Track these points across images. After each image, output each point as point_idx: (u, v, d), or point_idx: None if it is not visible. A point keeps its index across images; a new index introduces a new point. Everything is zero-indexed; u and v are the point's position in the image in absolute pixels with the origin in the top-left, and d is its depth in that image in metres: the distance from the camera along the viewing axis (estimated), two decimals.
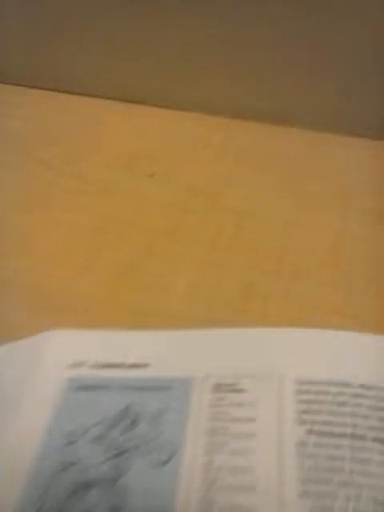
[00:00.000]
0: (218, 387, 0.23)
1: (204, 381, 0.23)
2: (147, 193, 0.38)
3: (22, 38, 0.45)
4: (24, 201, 0.37)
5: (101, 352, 0.26)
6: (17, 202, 0.37)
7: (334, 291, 0.31)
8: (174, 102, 0.43)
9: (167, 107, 0.44)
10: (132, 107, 0.45)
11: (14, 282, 0.31)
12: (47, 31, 0.44)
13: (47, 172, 0.39)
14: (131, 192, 0.38)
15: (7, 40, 0.45)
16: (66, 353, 0.26)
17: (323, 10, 0.37)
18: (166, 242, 0.34)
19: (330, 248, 0.34)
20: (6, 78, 0.46)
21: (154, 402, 0.23)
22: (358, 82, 0.39)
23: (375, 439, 0.21)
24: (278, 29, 0.39)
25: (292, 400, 0.21)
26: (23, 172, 0.39)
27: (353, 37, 0.38)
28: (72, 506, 0.20)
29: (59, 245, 0.34)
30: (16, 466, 0.22)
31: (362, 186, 0.38)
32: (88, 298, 0.31)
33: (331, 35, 0.38)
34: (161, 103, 0.44)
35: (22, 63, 0.45)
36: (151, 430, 0.22)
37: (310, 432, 0.20)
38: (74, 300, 0.30)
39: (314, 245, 0.34)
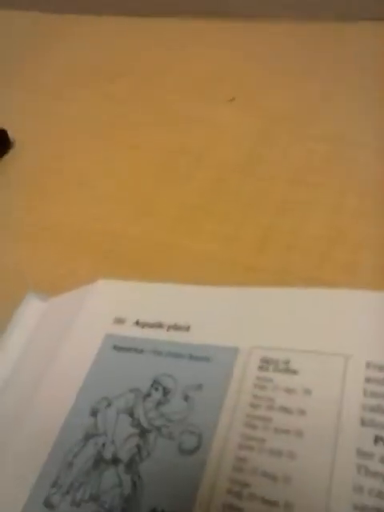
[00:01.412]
0: (266, 363, 0.18)
1: (249, 353, 0.18)
2: (223, 121, 0.32)
3: None
4: (84, 137, 0.34)
5: (143, 308, 0.22)
6: (74, 139, 0.34)
7: None
8: (255, 9, 0.36)
9: (243, 16, 0.37)
10: (208, 23, 0.38)
11: (65, 226, 0.29)
12: None
13: (112, 105, 0.35)
14: (204, 121, 0.32)
15: None
16: (108, 308, 0.23)
17: None
18: (240, 178, 0.29)
19: None
20: (63, 8, 0.42)
21: (191, 373, 0.19)
22: None
23: None
24: None
25: (359, 391, 0.16)
26: (86, 106, 0.35)
27: None
28: (90, 481, 0.18)
29: (117, 184, 0.30)
30: (46, 427, 0.20)
31: None
32: (145, 244, 0.27)
33: None
34: (237, 13, 0.36)
35: None
36: (183, 408, 0.18)
37: (378, 440, 0.15)
38: (128, 245, 0.27)
39: None
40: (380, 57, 0.32)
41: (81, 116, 0.35)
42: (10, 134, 0.34)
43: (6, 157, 0.34)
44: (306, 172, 0.28)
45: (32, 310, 0.25)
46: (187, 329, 0.20)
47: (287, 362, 0.17)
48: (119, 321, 0.22)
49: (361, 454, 0.15)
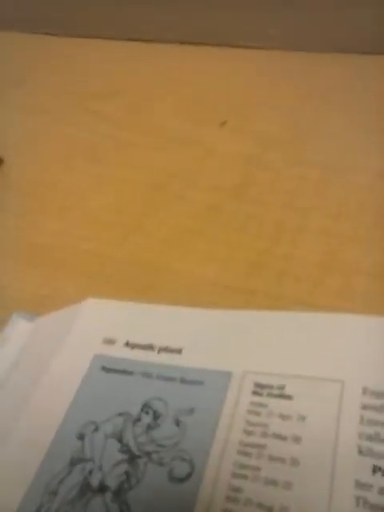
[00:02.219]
0: (260, 388, 0.17)
1: (243, 378, 0.18)
2: (215, 144, 0.32)
3: None
4: (72, 156, 0.33)
5: (133, 329, 0.22)
6: (64, 157, 0.33)
7: None
8: (247, 39, 0.36)
9: (239, 46, 0.37)
10: (202, 50, 0.38)
11: (54, 246, 0.28)
12: None
13: (105, 127, 0.35)
14: (197, 144, 0.32)
15: None
16: (97, 327, 0.22)
17: None
18: (232, 202, 0.29)
19: None
20: (59, 30, 0.42)
21: (183, 397, 0.18)
22: None
23: None
24: None
25: (355, 418, 0.15)
26: (78, 127, 0.35)
27: None
28: (75, 511, 0.17)
29: (108, 205, 0.30)
30: (30, 452, 0.19)
31: None
32: (134, 266, 0.27)
33: None
34: (231, 42, 0.37)
35: (74, 12, 0.41)
36: (174, 433, 0.18)
37: (376, 470, 0.14)
38: (118, 266, 0.27)
39: None
40: (371, 86, 0.33)
41: (72, 137, 0.35)
42: (0, 153, 0.34)
43: None
44: (299, 197, 0.28)
45: (18, 330, 0.24)
46: (179, 351, 0.20)
47: (282, 388, 0.17)
48: (109, 341, 0.22)
49: (359, 485, 0.14)
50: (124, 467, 0.18)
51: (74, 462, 0.18)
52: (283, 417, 0.16)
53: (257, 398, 0.17)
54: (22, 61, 0.43)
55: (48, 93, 0.39)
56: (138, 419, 0.19)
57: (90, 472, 0.18)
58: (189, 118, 0.34)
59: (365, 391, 0.16)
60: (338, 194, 0.27)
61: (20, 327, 0.24)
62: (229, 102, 0.34)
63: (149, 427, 0.18)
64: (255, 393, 0.17)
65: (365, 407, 0.16)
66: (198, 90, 0.36)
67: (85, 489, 0.18)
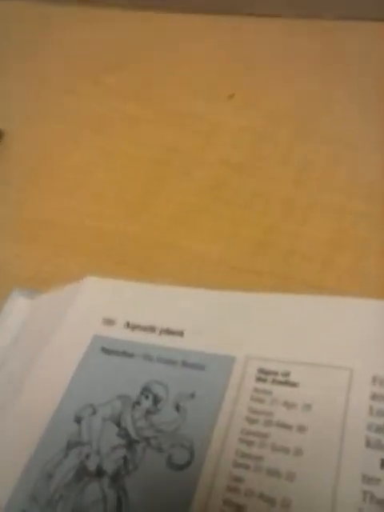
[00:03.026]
0: (264, 375, 0.17)
1: (246, 363, 0.17)
2: (221, 119, 0.31)
3: None
4: (77, 130, 0.32)
5: (134, 309, 0.21)
6: (69, 131, 0.32)
7: None
8: (257, 7, 0.35)
9: (249, 15, 0.36)
10: (209, 19, 0.37)
11: (57, 222, 0.27)
12: None
13: (110, 99, 0.34)
14: (204, 118, 0.31)
15: None
16: (96, 307, 0.22)
17: None
18: (239, 178, 0.28)
19: None
20: None
21: (184, 381, 0.18)
22: None
23: None
24: None
25: (364, 408, 0.14)
26: (83, 100, 0.34)
27: None
28: (71, 495, 0.17)
29: (113, 181, 0.29)
30: (26, 434, 0.19)
31: None
32: (139, 243, 0.26)
33: None
34: (240, 11, 0.36)
35: None
36: (174, 418, 0.17)
37: None
38: (122, 244, 0.26)
39: None
40: (382, 57, 0.31)
41: (77, 109, 0.34)
42: (1, 126, 0.33)
43: None
44: (308, 173, 0.27)
45: (18, 308, 0.24)
46: (181, 334, 0.19)
47: (287, 374, 0.16)
48: (108, 322, 0.21)
49: (366, 479, 0.14)
50: (122, 452, 0.17)
51: (70, 446, 0.18)
52: (288, 405, 0.16)
53: (261, 385, 0.16)
54: (27, 31, 0.41)
55: (53, 64, 0.38)
56: (138, 403, 0.18)
57: (87, 456, 0.17)
58: (195, 92, 0.33)
59: (375, 380, 0.15)
60: (350, 170, 0.26)
61: (19, 304, 0.24)
62: (236, 75, 0.33)
63: (148, 412, 0.18)
64: (259, 379, 0.17)
65: (374, 397, 0.15)
66: (205, 62, 0.35)
67: (81, 473, 0.17)
